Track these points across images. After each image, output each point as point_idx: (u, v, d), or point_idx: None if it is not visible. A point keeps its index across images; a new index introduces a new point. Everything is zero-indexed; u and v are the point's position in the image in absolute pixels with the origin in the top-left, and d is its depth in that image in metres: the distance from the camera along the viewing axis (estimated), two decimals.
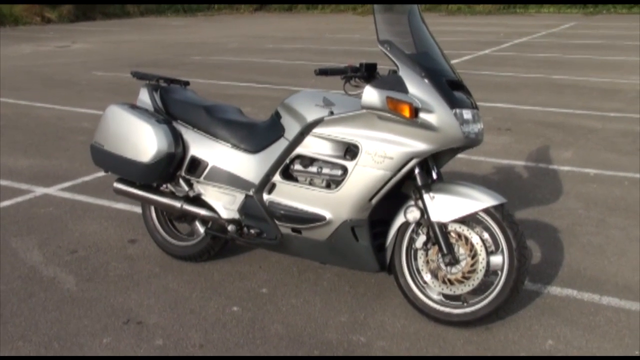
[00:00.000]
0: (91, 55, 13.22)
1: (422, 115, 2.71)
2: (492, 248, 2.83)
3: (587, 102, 7.62)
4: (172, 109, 3.43)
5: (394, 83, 2.75)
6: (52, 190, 4.81)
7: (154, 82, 3.55)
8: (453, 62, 11.10)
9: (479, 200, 2.78)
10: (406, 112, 2.69)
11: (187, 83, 3.66)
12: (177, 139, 3.30)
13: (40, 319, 3.00)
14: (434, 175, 2.92)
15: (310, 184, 3.01)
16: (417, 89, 2.73)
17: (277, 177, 3.07)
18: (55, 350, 2.74)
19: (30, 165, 5.45)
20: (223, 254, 3.60)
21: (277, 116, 3.19)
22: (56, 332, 2.88)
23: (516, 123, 6.69)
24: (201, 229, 3.45)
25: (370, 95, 2.75)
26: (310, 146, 2.97)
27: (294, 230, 3.07)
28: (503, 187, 4.74)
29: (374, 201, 2.87)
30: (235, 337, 2.84)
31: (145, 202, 3.59)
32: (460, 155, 5.42)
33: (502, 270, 2.79)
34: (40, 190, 4.81)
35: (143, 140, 3.25)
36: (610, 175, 4.96)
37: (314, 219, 2.97)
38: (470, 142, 2.81)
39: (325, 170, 2.95)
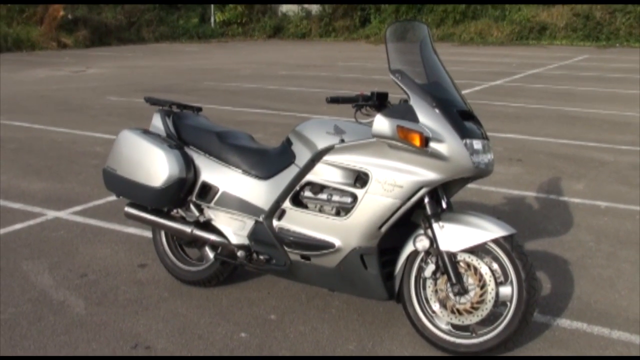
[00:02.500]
0: (105, 80, 13.37)
1: (433, 145, 2.72)
2: (502, 279, 2.83)
3: (598, 135, 7.62)
4: (184, 134, 3.47)
5: (404, 112, 2.77)
6: (64, 214, 4.85)
7: (167, 107, 3.60)
8: (465, 92, 11.13)
9: (488, 231, 2.78)
10: (417, 142, 2.71)
11: (199, 109, 3.71)
12: (189, 164, 3.33)
13: (49, 342, 3.01)
14: (444, 205, 2.93)
15: (320, 211, 3.03)
16: (427, 118, 2.75)
17: (287, 204, 3.08)
18: None
19: (43, 188, 5.50)
20: (232, 279, 3.60)
21: (288, 143, 3.22)
22: (65, 355, 2.89)
23: (527, 154, 6.69)
24: (211, 255, 3.46)
25: (381, 124, 2.77)
26: (321, 173, 2.99)
27: (303, 257, 3.07)
28: (513, 218, 4.73)
29: (383, 229, 2.88)
30: None
31: (155, 227, 3.61)
32: (470, 185, 5.42)
33: (511, 301, 2.78)
34: (52, 214, 4.85)
35: (155, 165, 3.28)
36: (622, 208, 4.94)
37: (323, 246, 2.97)
38: (480, 172, 2.82)
39: (335, 198, 2.97)
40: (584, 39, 22.41)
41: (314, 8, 27.97)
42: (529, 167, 6.15)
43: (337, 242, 2.94)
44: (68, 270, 3.81)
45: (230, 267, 3.48)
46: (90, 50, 22.00)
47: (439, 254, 2.84)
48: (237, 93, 11.34)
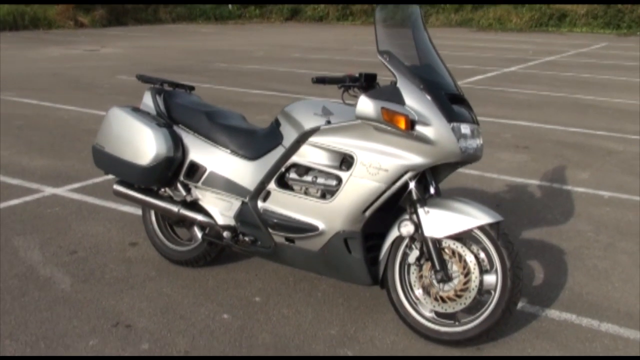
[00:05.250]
0: (118, 59, 13.37)
1: (419, 128, 2.66)
2: (487, 267, 2.77)
3: (609, 124, 7.47)
4: (174, 113, 3.43)
5: (390, 94, 2.70)
6: (61, 191, 4.84)
7: (158, 85, 3.56)
8: (477, 78, 11.06)
9: (474, 217, 2.72)
10: (402, 124, 2.64)
11: (192, 88, 3.67)
12: (177, 143, 3.29)
13: (30, 318, 3.00)
14: (432, 190, 2.86)
15: (306, 193, 2.98)
16: (414, 101, 2.68)
17: (272, 185, 3.04)
18: (40, 350, 2.74)
19: (43, 165, 5.50)
20: (220, 260, 3.58)
21: (276, 124, 3.17)
22: (44, 331, 2.88)
23: (535, 141, 6.58)
24: (199, 235, 3.43)
25: (365, 105, 2.71)
26: (306, 155, 2.94)
27: (287, 239, 3.03)
28: (513, 206, 4.66)
29: (367, 213, 2.83)
30: (221, 345, 2.81)
31: (143, 205, 3.59)
32: (472, 172, 5.38)
33: (495, 290, 2.72)
34: (49, 190, 4.85)
35: (143, 143, 3.25)
36: (625, 198, 4.84)
37: (306, 229, 2.93)
38: (468, 158, 2.76)
39: (320, 180, 2.92)
40: (604, 26, 22.04)
41: None
42: (535, 155, 6.05)
43: (321, 225, 2.90)
44: (58, 247, 3.81)
45: (218, 248, 3.45)
46: (106, 30, 22.03)
47: (423, 239, 2.79)
48: (247, 74, 11.28)
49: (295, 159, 2.97)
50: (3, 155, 5.75)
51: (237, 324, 2.99)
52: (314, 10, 27.74)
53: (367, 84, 2.85)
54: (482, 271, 2.75)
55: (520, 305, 3.17)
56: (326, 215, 2.88)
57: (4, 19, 20.55)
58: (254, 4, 28.12)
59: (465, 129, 2.72)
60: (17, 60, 13.08)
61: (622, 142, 6.60)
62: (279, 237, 3.05)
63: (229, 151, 3.24)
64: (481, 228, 2.71)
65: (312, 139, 2.91)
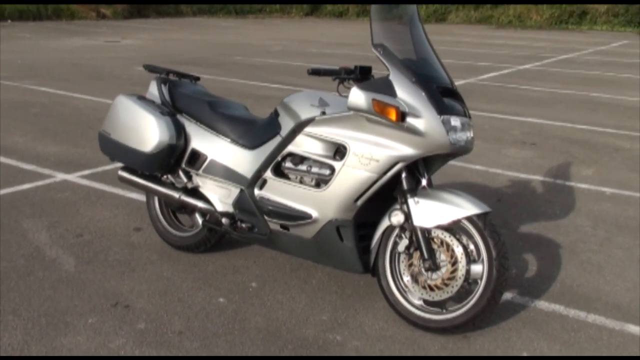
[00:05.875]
0: (138, 51, 13.54)
1: (409, 120, 2.73)
2: (475, 257, 2.83)
3: (620, 121, 7.47)
4: (178, 102, 3.53)
5: (382, 86, 2.78)
6: (72, 177, 4.98)
7: (164, 75, 3.66)
8: (490, 75, 11.07)
9: (462, 208, 2.78)
10: (392, 116, 2.71)
11: (197, 78, 3.76)
12: (180, 132, 3.39)
13: (34, 295, 3.12)
14: (424, 182, 2.93)
15: (301, 182, 3.06)
16: (406, 93, 2.75)
17: (268, 174, 3.12)
18: (41, 325, 2.85)
19: (56, 152, 5.64)
20: (221, 246, 3.67)
21: (275, 114, 3.25)
22: (46, 309, 3.00)
23: (543, 138, 6.61)
24: (200, 221, 3.53)
25: (357, 96, 2.78)
26: (302, 145, 3.02)
27: (282, 226, 3.12)
28: (514, 201, 4.71)
29: (359, 202, 2.90)
30: (215, 327, 2.90)
31: (146, 191, 3.69)
32: (477, 167, 5.43)
33: (481, 279, 2.79)
34: (60, 176, 4.98)
35: (146, 131, 3.35)
36: (627, 195, 4.87)
37: (300, 217, 3.01)
38: (458, 150, 2.82)
39: (315, 169, 3.00)
40: (625, 24, 21.85)
41: None
42: (541, 151, 6.08)
43: (314, 213, 2.98)
44: (65, 230, 3.93)
45: (218, 234, 3.54)
46: (128, 22, 22.29)
47: (412, 229, 2.86)
48: (262, 68, 11.38)
49: (291, 148, 3.05)
50: (19, 142, 5.90)
51: (232, 307, 3.08)
52: (333, 5, 27.78)
53: (362, 76, 2.92)
54: (471, 261, 2.82)
55: (510, 296, 3.24)
56: (319, 204, 2.96)
57: (27, 10, 20.89)
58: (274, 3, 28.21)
59: (455, 121, 2.78)
60: (39, 49, 13.31)
61: (630, 140, 6.60)
62: (274, 225, 3.14)
63: (229, 140, 3.33)
64: (469, 219, 2.78)
65: (307, 129, 2.99)
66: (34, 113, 7.15)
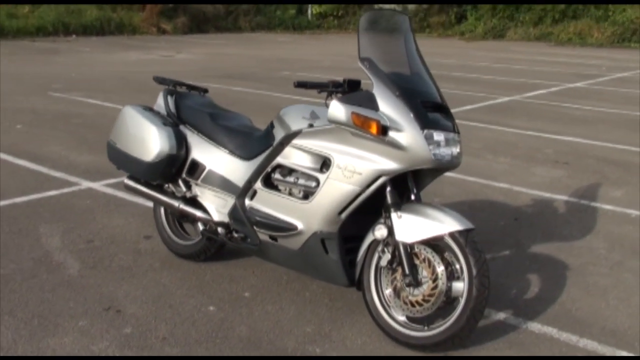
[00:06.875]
0: (189, 65, 13.87)
1: (391, 134, 2.72)
2: (458, 274, 2.79)
3: None
4: (182, 113, 3.61)
5: (363, 99, 2.78)
6: (97, 185, 5.14)
7: (171, 87, 3.76)
8: (537, 92, 10.84)
9: (443, 223, 2.75)
10: (373, 129, 2.71)
11: (205, 90, 3.85)
12: (180, 142, 3.46)
13: (32, 297, 3.23)
14: (412, 196, 2.92)
15: (290, 193, 3.08)
16: (388, 107, 2.75)
17: (258, 184, 3.16)
18: (33, 326, 2.96)
19: (88, 161, 5.84)
20: (222, 256, 3.72)
21: (271, 126, 3.29)
22: (41, 310, 3.11)
23: (577, 157, 6.43)
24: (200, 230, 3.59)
25: (336, 109, 2.79)
26: (290, 156, 3.05)
27: (271, 237, 3.15)
28: (531, 220, 4.61)
29: (343, 215, 2.90)
30: (198, 334, 2.95)
31: (149, 200, 3.79)
32: (501, 185, 5.34)
33: (462, 297, 2.74)
34: (86, 184, 5.15)
35: (148, 141, 3.45)
36: None
37: (286, 228, 3.03)
38: (444, 165, 2.80)
39: (301, 181, 3.02)
40: None
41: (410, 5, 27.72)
42: (572, 171, 5.92)
43: (300, 225, 3.00)
44: (77, 236, 4.06)
45: (217, 244, 3.60)
46: (186, 37, 22.81)
47: (395, 244, 2.84)
48: None
49: (279, 160, 3.08)
50: (54, 151, 6.13)
51: (220, 316, 3.12)
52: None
53: (350, 89, 2.94)
54: (454, 278, 2.78)
55: (503, 316, 3.18)
56: (304, 216, 2.98)
57: (91, 25, 21.67)
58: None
59: (439, 136, 2.76)
60: (96, 63, 13.80)
61: None
62: (263, 235, 3.17)
63: (227, 151, 3.39)
64: (451, 235, 2.74)
65: (295, 141, 3.02)
66: (75, 123, 7.42)
